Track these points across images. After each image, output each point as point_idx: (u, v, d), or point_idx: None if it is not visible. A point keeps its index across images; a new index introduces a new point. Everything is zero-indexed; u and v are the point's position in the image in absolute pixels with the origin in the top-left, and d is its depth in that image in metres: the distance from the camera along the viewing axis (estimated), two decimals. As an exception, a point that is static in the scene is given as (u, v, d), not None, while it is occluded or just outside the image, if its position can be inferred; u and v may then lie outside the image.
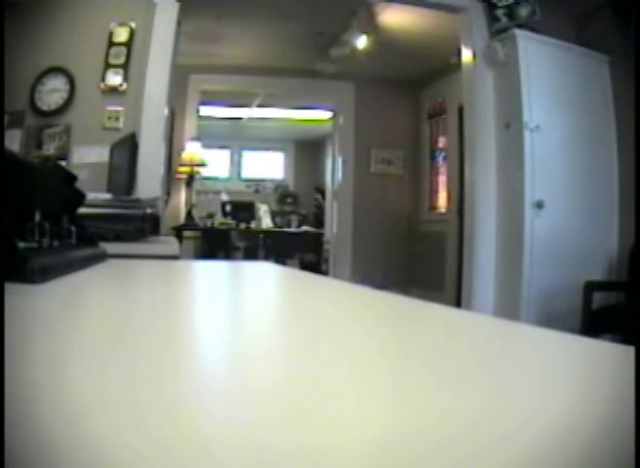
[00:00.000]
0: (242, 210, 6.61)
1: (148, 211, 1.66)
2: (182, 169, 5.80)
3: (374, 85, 6.30)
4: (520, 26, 3.60)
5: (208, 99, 6.62)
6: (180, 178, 5.86)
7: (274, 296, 0.72)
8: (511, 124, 3.60)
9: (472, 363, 0.31)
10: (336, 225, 6.46)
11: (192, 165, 5.76)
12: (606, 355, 0.34)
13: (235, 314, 0.51)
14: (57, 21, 3.27)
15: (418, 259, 6.28)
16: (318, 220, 8.37)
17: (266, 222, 6.69)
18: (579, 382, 0.27)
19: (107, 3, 3.31)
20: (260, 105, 7.81)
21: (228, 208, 6.54)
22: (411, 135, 6.46)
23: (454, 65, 4.82)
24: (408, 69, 6.01)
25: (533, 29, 3.62)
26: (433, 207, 6.18)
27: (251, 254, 6.45)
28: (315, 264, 6.53)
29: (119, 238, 1.51)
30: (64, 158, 3.18)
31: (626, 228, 3.62)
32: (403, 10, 4.47)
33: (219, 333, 0.39)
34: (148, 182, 3.06)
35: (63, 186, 0.89)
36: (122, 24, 3.29)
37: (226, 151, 10.00)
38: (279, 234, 6.82)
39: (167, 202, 4.92)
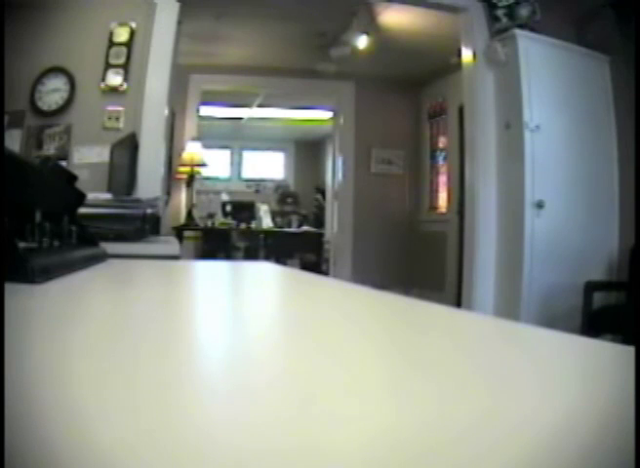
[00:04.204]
0: (242, 210, 6.61)
1: (149, 211, 1.66)
2: (183, 169, 5.80)
3: (374, 85, 6.30)
4: (520, 26, 3.60)
5: (208, 99, 6.62)
6: (180, 178, 5.86)
7: (275, 297, 0.72)
8: (511, 124, 3.59)
9: (472, 363, 0.31)
10: (336, 225, 6.46)
11: (192, 165, 5.76)
12: (606, 355, 0.34)
13: (236, 314, 0.51)
14: (57, 21, 3.28)
15: (418, 259, 6.28)
16: (318, 220, 8.36)
17: (267, 222, 6.68)
18: (579, 382, 0.27)
19: (107, 3, 3.31)
20: (260, 105, 7.81)
21: (229, 208, 6.54)
22: (411, 135, 6.46)
23: (454, 65, 4.82)
24: (408, 69, 6.01)
25: (533, 29, 3.62)
26: (433, 207, 6.18)
27: (251, 255, 6.45)
28: (315, 264, 6.53)
29: (119, 238, 1.51)
30: (65, 158, 3.18)
31: (626, 228, 3.62)
32: (403, 10, 4.47)
33: (219, 334, 0.39)
34: (149, 182, 3.06)
35: (64, 186, 0.89)
36: (122, 24, 3.28)
37: (227, 151, 10.00)
38: (279, 234, 6.81)
39: (167, 202, 4.92)
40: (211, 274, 1.08)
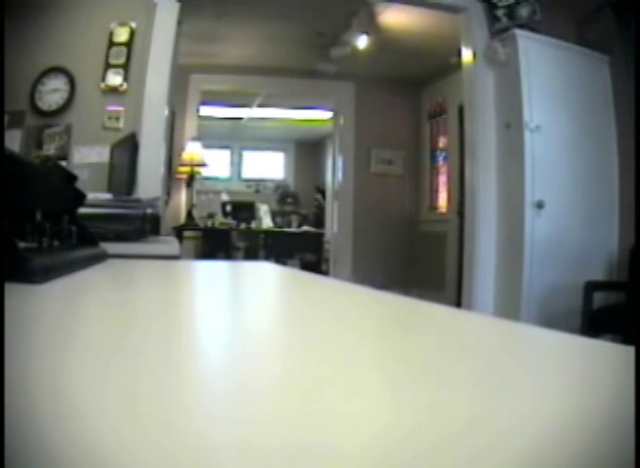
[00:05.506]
0: (242, 210, 6.61)
1: (149, 211, 1.66)
2: (183, 169, 5.80)
3: (374, 85, 6.30)
4: (520, 26, 3.60)
5: (208, 99, 6.62)
6: (180, 178, 5.86)
7: (275, 296, 0.73)
8: (511, 124, 3.60)
9: (472, 363, 0.31)
10: (336, 225, 6.46)
11: (192, 165, 5.76)
12: (606, 355, 0.34)
13: (236, 314, 0.51)
14: (57, 21, 3.27)
15: (418, 259, 6.28)
16: (318, 220, 8.37)
17: (267, 222, 6.69)
18: (579, 382, 0.27)
19: (107, 3, 3.31)
20: (260, 105, 7.81)
21: (229, 208, 6.54)
22: (411, 135, 6.46)
23: (454, 65, 4.83)
24: (408, 69, 6.01)
25: (533, 29, 3.62)
26: (433, 207, 6.18)
27: (251, 254, 6.45)
28: (315, 264, 6.53)
29: (119, 238, 1.51)
30: (65, 158, 3.18)
31: (626, 228, 3.62)
32: (403, 10, 4.47)
33: (219, 334, 0.39)
34: (149, 182, 3.06)
35: (64, 186, 0.89)
36: (122, 24, 3.28)
37: (227, 151, 10.00)
38: (279, 234, 6.82)
39: (167, 202, 4.92)
40: (211, 274, 1.08)
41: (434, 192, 6.19)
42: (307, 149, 10.24)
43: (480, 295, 3.72)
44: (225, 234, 6.34)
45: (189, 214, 5.76)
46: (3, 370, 0.22)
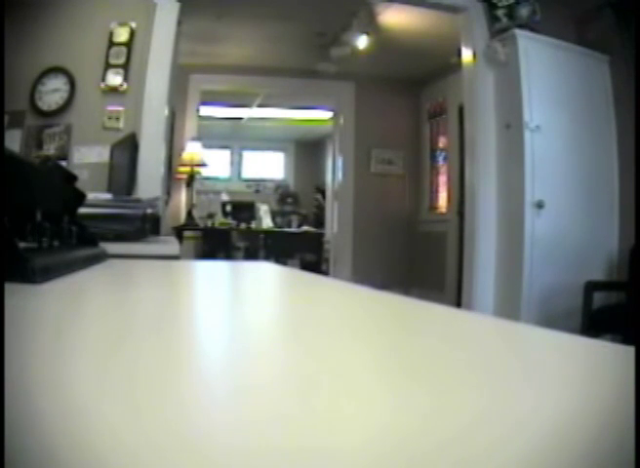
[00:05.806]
0: (242, 210, 6.61)
1: (149, 211, 1.66)
2: (183, 169, 5.80)
3: (374, 85, 6.31)
4: (520, 26, 3.60)
5: (208, 99, 6.62)
6: (180, 178, 5.86)
7: (275, 296, 0.73)
8: (511, 124, 3.60)
9: (472, 363, 0.30)
10: (336, 225, 6.46)
11: (192, 165, 5.76)
12: (606, 355, 0.34)
13: (236, 314, 0.51)
14: (57, 21, 3.28)
15: (418, 259, 6.28)
16: (318, 220, 8.36)
17: (267, 222, 6.69)
18: (579, 382, 0.27)
19: (107, 3, 3.31)
20: (260, 105, 7.82)
21: (229, 208, 6.54)
22: (411, 135, 6.46)
23: (454, 65, 4.83)
24: (408, 69, 6.02)
25: (533, 29, 3.63)
26: (433, 207, 6.18)
27: (251, 254, 6.45)
28: (315, 264, 6.53)
29: (119, 238, 1.51)
30: (65, 158, 3.18)
31: (626, 228, 3.62)
32: (403, 10, 4.47)
33: (220, 334, 0.39)
34: (149, 182, 3.06)
35: (64, 186, 0.89)
36: (122, 24, 3.29)
37: (227, 151, 10.01)
38: (279, 234, 6.82)
39: (167, 202, 4.92)
40: (211, 274, 1.08)
41: (434, 192, 6.19)
42: (307, 149, 10.24)
43: (480, 295, 3.72)
44: (225, 234, 6.34)
45: (189, 214, 5.76)
46: (3, 370, 0.22)
